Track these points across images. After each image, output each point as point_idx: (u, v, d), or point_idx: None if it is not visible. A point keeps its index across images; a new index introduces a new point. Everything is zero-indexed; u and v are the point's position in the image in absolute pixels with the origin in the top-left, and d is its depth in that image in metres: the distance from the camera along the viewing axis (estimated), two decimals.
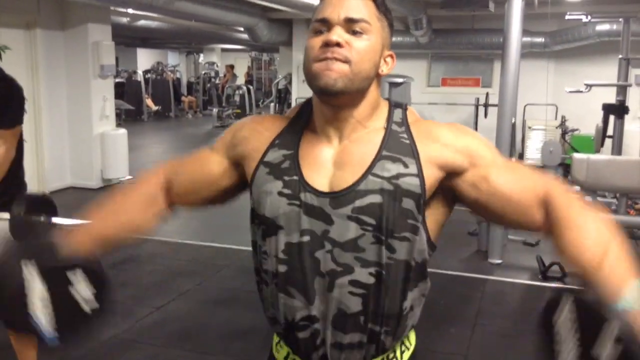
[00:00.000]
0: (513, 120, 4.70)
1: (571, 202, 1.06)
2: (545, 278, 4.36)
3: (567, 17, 6.81)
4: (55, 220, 2.30)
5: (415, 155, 1.08)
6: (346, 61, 1.04)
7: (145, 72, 16.48)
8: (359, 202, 1.05)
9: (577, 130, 9.16)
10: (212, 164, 1.22)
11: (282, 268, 1.10)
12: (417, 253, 1.09)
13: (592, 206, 1.08)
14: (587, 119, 8.47)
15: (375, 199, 1.05)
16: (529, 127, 9.09)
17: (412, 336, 1.21)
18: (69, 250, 1.09)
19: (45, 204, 2.30)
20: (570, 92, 6.82)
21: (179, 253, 4.90)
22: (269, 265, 1.12)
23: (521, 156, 9.15)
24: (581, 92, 6.54)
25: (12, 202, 2.30)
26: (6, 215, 2.22)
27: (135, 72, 16.09)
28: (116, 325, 3.46)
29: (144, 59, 19.10)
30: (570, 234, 1.02)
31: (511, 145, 4.77)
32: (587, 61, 9.11)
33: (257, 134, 1.17)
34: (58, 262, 1.07)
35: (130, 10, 8.29)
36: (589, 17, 6.62)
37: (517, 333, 3.53)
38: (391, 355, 1.15)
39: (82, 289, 1.07)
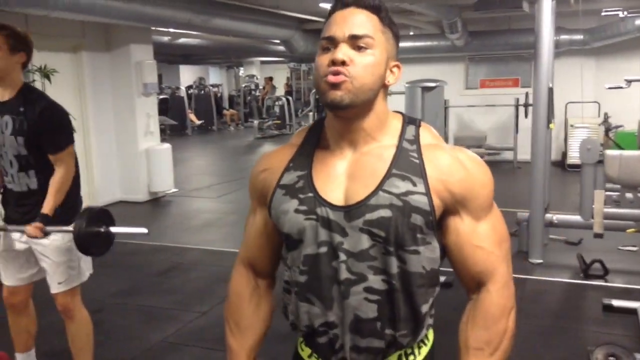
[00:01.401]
0: (552, 123, 4.67)
1: (494, 303, 1.19)
2: (587, 276, 4.32)
3: (602, 13, 6.72)
4: (113, 229, 2.47)
5: (423, 175, 1.14)
6: (349, 77, 1.11)
7: (188, 87, 16.92)
8: (369, 216, 1.12)
9: (621, 126, 8.96)
10: (259, 222, 1.32)
11: (302, 278, 1.19)
12: (427, 263, 1.17)
13: (507, 309, 1.20)
14: (630, 116, 8.30)
15: (386, 213, 1.12)
16: (571, 125, 8.95)
17: (430, 334, 1.27)
18: None
19: (104, 216, 2.47)
20: (610, 88, 6.71)
21: (221, 260, 5.05)
22: (292, 276, 1.22)
23: (564, 155, 9.02)
24: (621, 88, 6.43)
25: (74, 216, 2.48)
26: (70, 228, 2.39)
27: (178, 88, 16.54)
28: (163, 330, 3.63)
29: (187, 75, 19.62)
30: (474, 332, 1.19)
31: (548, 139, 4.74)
32: (628, 56, 8.93)
33: (271, 172, 1.25)
34: None
35: (170, 29, 8.58)
36: (625, 13, 6.51)
37: (556, 331, 3.53)
38: (409, 351, 1.22)
39: None
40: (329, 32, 1.14)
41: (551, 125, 4.67)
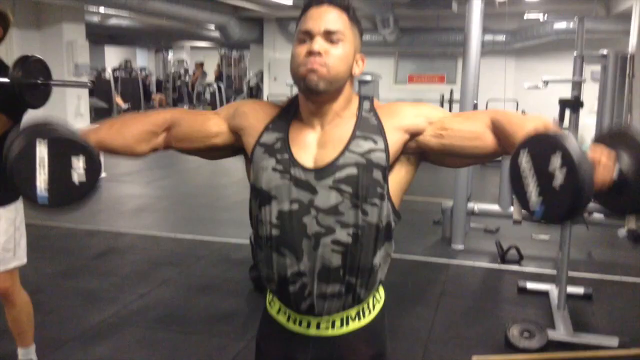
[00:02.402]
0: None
1: (511, 115, 1.28)
2: (504, 261, 4.69)
3: (525, 16, 7.16)
4: (52, 82, 2.45)
5: (382, 132, 1.32)
6: (325, 67, 1.28)
7: (114, 70, 16.47)
8: (338, 174, 1.29)
9: None
10: (212, 123, 1.43)
11: (275, 232, 1.33)
12: (384, 216, 1.34)
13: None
14: (546, 114, 8.82)
15: (352, 171, 1.28)
16: None
17: (382, 291, 1.46)
18: (77, 135, 1.29)
19: (40, 66, 2.45)
20: (529, 87, 7.17)
21: (157, 245, 5.09)
22: (264, 231, 1.36)
23: None
24: (538, 87, 6.88)
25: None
26: (6, 80, 2.29)
27: (104, 70, 16.07)
28: (102, 311, 3.66)
29: (112, 57, 19.04)
30: (514, 127, 1.21)
31: None
32: (545, 58, 9.53)
33: (255, 112, 1.41)
34: (66, 137, 1.26)
35: (102, 9, 8.40)
36: (546, 16, 6.97)
37: (477, 311, 3.84)
38: (365, 306, 1.40)
39: (78, 167, 1.27)
40: (306, 26, 1.30)
41: None
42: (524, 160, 1.10)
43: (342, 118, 1.35)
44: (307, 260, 1.32)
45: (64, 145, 1.26)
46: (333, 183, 1.29)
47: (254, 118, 1.40)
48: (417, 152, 1.37)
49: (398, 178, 1.36)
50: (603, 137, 1.18)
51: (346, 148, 1.30)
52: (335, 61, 1.28)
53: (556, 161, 1.04)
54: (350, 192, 1.29)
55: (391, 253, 1.41)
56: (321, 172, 1.30)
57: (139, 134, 1.41)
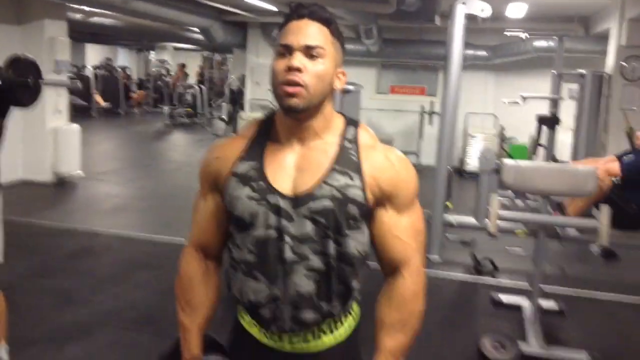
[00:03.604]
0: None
1: (407, 287, 1.39)
2: (479, 273, 4.75)
3: (506, 33, 7.28)
4: (42, 81, 2.45)
5: (360, 172, 1.31)
6: (304, 85, 1.26)
7: (95, 67, 16.32)
8: (313, 205, 1.28)
9: (514, 139, 9.72)
10: (210, 207, 1.43)
11: (251, 257, 1.33)
12: (360, 246, 1.35)
13: (418, 293, 1.42)
14: (523, 129, 9.00)
15: (327, 203, 1.28)
16: (470, 135, 9.57)
17: (355, 305, 1.46)
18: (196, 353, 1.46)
19: (31, 66, 2.44)
20: (508, 103, 7.30)
21: (133, 246, 5.05)
22: (240, 255, 1.36)
23: (462, 162, 9.63)
24: (517, 103, 7.02)
25: None
26: None
27: (84, 67, 15.91)
28: (75, 311, 3.63)
29: (93, 55, 18.86)
30: (389, 311, 1.40)
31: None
32: (524, 74, 9.68)
33: (224, 149, 1.39)
34: None
35: (86, 7, 8.32)
36: (526, 35, 7.10)
37: (450, 321, 3.89)
38: (337, 319, 1.40)
39: None
40: (286, 40, 1.28)
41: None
42: None
43: (323, 140, 1.34)
44: (281, 284, 1.32)
45: None
46: (309, 213, 1.29)
47: (224, 165, 1.37)
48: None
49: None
50: None
51: (323, 179, 1.29)
52: (314, 79, 1.27)
53: None
54: (324, 224, 1.29)
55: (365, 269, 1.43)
56: (298, 200, 1.29)
57: (206, 294, 1.48)
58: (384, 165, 1.34)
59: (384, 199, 1.34)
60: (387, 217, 1.35)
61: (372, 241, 1.39)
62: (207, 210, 1.44)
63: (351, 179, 1.30)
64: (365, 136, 1.37)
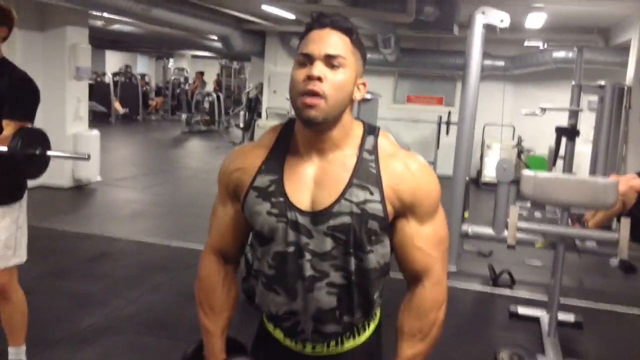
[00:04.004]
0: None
1: (427, 297, 1.37)
2: (496, 285, 4.70)
3: (525, 44, 7.24)
4: (50, 153, 2.47)
5: (379, 184, 1.28)
6: (323, 96, 1.23)
7: (114, 74, 16.51)
8: (332, 222, 1.27)
9: (532, 150, 9.65)
10: (230, 214, 1.42)
11: (271, 272, 1.33)
12: (381, 259, 1.35)
13: (439, 303, 1.40)
14: (541, 140, 8.94)
15: (347, 219, 1.26)
16: (487, 146, 9.52)
17: (377, 310, 1.46)
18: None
19: (40, 138, 2.47)
20: (526, 114, 7.25)
21: (150, 251, 5.07)
22: (261, 267, 1.37)
23: (479, 173, 9.58)
24: (536, 115, 6.96)
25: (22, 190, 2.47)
26: (4, 148, 2.32)
27: (104, 74, 16.10)
28: (92, 314, 3.65)
29: (113, 61, 19.10)
30: (409, 320, 1.39)
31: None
32: (543, 86, 9.62)
33: (244, 171, 1.36)
34: None
35: (106, 15, 8.43)
36: (545, 45, 7.06)
37: (467, 334, 3.85)
38: (360, 326, 1.40)
39: None
40: (307, 49, 1.25)
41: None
42: None
43: (342, 151, 1.32)
44: (301, 300, 1.32)
45: None
46: (327, 229, 1.28)
47: (245, 172, 1.36)
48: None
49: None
50: None
51: (342, 195, 1.27)
52: (334, 89, 1.24)
53: None
54: (344, 240, 1.28)
55: (387, 277, 1.42)
56: (317, 216, 1.28)
57: (226, 297, 1.48)
58: (404, 175, 1.31)
59: (405, 210, 1.32)
60: (409, 228, 1.34)
61: (393, 251, 1.38)
62: (226, 216, 1.44)
63: (371, 193, 1.28)
64: (385, 144, 1.34)
